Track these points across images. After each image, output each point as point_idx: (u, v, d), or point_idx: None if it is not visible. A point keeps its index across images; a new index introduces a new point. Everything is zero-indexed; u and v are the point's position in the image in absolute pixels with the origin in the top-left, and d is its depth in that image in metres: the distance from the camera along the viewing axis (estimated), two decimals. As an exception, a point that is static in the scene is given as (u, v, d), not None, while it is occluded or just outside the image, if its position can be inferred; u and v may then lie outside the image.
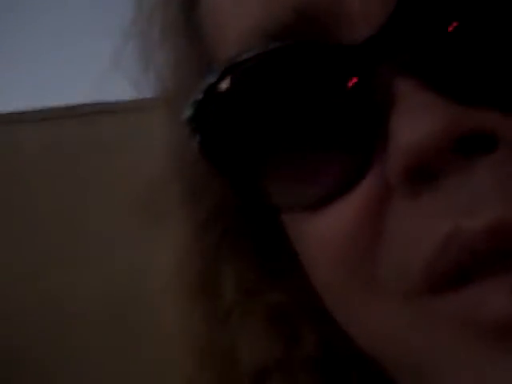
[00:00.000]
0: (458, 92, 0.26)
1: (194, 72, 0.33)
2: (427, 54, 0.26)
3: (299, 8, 0.28)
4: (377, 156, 0.27)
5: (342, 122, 0.28)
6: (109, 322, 1.22)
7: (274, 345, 0.35)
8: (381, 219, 0.27)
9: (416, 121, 0.25)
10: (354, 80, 0.27)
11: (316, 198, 0.29)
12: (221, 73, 0.29)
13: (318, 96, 0.28)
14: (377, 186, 0.27)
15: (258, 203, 0.32)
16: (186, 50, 0.34)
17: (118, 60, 0.36)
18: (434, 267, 0.26)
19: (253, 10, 0.29)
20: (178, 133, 0.34)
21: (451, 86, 0.26)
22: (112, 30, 0.35)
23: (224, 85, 0.29)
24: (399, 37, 0.26)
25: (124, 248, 1.20)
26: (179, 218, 0.37)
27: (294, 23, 0.28)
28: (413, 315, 0.27)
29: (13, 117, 1.23)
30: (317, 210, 0.29)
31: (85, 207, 1.25)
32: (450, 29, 0.26)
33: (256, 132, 0.29)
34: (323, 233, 0.29)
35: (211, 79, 0.29)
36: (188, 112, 0.30)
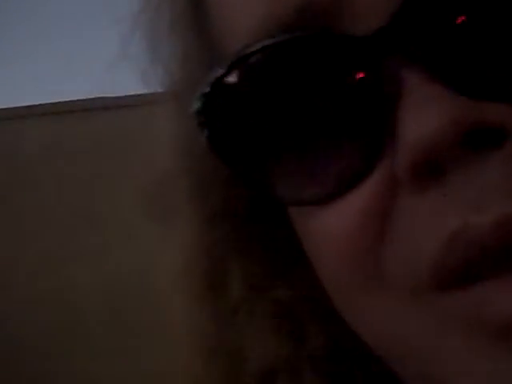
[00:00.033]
0: (466, 85, 0.25)
1: (202, 65, 0.33)
2: (435, 46, 0.26)
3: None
4: (385, 150, 0.27)
5: (350, 114, 0.28)
6: (110, 321, 1.22)
7: (281, 344, 0.35)
8: (388, 215, 0.27)
9: (423, 115, 0.25)
10: (363, 72, 0.27)
11: (324, 193, 0.29)
12: (228, 66, 0.29)
13: (326, 88, 0.28)
14: (385, 181, 0.27)
15: (266, 197, 0.32)
16: (194, 42, 0.34)
17: (124, 53, 0.36)
18: (442, 264, 0.26)
19: (261, 0, 0.29)
20: (185, 126, 0.34)
21: (459, 79, 0.25)
22: (118, 23, 0.35)
23: (231, 78, 0.29)
24: (408, 29, 0.26)
25: (126, 248, 1.20)
26: (185, 216, 0.36)
27: (300, 16, 0.27)
28: (420, 312, 0.27)
29: (14, 112, 1.24)
30: (324, 204, 0.29)
31: (88, 206, 1.25)
32: (459, 21, 0.26)
33: (264, 125, 0.29)
34: (330, 228, 0.29)
35: (218, 72, 0.29)
36: (195, 105, 0.30)
